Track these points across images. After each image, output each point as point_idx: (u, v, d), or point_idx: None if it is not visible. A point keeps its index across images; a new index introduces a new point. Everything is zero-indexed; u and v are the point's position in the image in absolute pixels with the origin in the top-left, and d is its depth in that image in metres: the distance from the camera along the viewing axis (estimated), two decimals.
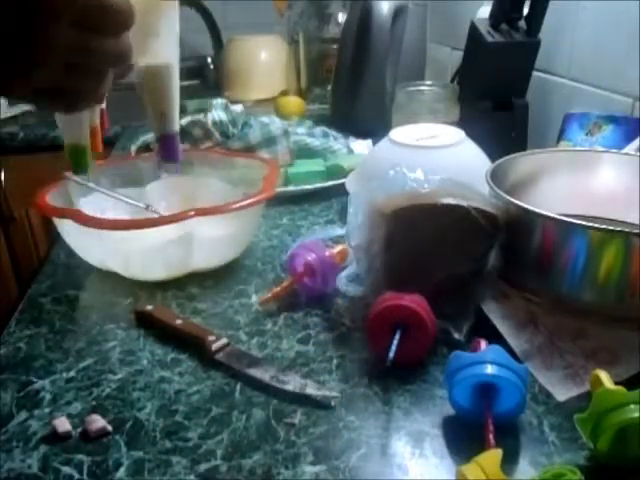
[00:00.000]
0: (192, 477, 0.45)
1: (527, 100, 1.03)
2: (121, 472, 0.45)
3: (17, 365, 0.58)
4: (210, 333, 0.59)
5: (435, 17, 1.54)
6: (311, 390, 0.52)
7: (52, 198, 0.72)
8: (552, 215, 0.57)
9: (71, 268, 0.76)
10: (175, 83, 0.54)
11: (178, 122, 0.55)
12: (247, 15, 1.89)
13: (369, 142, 1.12)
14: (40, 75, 0.37)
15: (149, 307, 0.64)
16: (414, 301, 0.55)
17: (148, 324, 0.63)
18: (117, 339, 0.61)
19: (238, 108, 1.13)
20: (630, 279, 0.54)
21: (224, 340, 0.58)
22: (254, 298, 0.68)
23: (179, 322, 0.61)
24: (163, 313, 0.63)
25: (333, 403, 0.51)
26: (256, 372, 0.55)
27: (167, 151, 0.55)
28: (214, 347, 0.57)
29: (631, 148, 0.78)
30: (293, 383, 0.53)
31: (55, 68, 0.37)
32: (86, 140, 0.49)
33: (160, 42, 0.51)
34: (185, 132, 1.07)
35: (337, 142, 1.10)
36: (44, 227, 1.50)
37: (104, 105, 0.55)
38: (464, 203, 0.58)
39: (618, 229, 0.54)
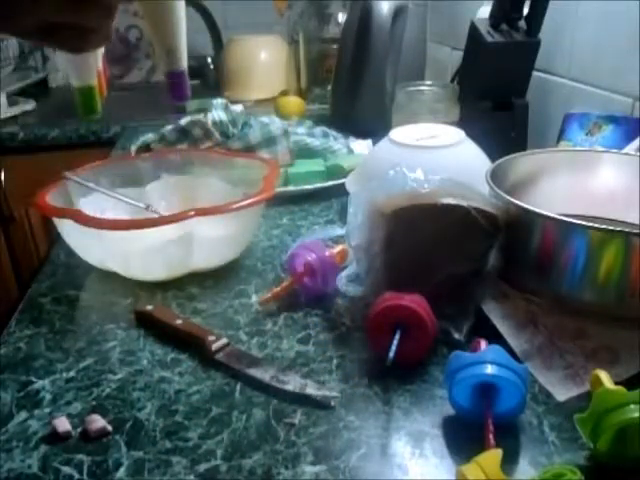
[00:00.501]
0: (192, 477, 0.45)
1: (527, 100, 1.03)
2: (121, 472, 0.45)
3: (17, 365, 0.58)
4: (210, 333, 0.59)
5: (435, 17, 1.54)
6: (311, 390, 0.52)
7: (52, 198, 0.72)
8: (552, 215, 0.57)
9: (71, 268, 0.76)
10: (180, 18, 0.53)
11: (185, 59, 0.54)
12: (247, 15, 1.89)
13: (369, 142, 1.12)
14: (46, 9, 0.37)
15: (149, 307, 0.64)
16: (414, 301, 0.55)
17: (148, 324, 0.63)
18: (117, 339, 0.61)
19: (238, 108, 1.13)
20: (630, 279, 0.54)
21: (224, 340, 0.58)
22: (254, 298, 0.68)
23: (179, 322, 0.61)
24: (163, 313, 0.63)
25: (333, 403, 0.51)
26: (256, 372, 0.55)
27: (175, 89, 0.55)
28: (214, 347, 0.57)
29: (631, 148, 0.78)
30: (293, 383, 0.53)
31: (60, 5, 0.37)
32: (95, 82, 0.50)
33: None
34: (185, 132, 1.07)
35: (337, 142, 1.10)
36: (44, 227, 1.50)
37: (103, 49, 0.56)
38: (464, 203, 0.58)
39: (618, 229, 0.54)
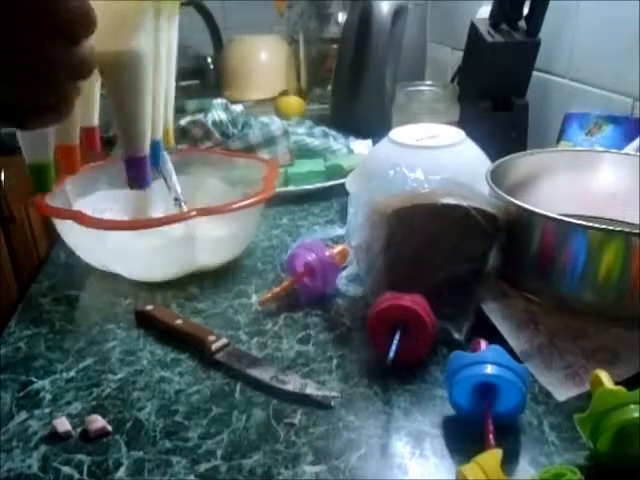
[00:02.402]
0: (192, 477, 0.45)
1: (527, 100, 1.03)
2: (121, 472, 0.45)
3: (17, 365, 0.58)
4: (210, 333, 0.59)
5: (435, 17, 1.54)
6: (311, 390, 0.52)
7: (52, 198, 0.72)
8: (552, 215, 0.57)
9: (71, 268, 0.76)
10: (145, 102, 0.43)
11: (148, 143, 0.45)
12: (247, 15, 1.89)
13: (369, 142, 1.12)
14: None
15: (149, 307, 0.64)
16: (414, 301, 0.55)
17: (148, 324, 0.63)
18: (117, 339, 0.61)
19: (238, 108, 1.13)
20: (630, 279, 0.54)
21: (224, 340, 0.58)
22: (254, 298, 0.68)
23: (179, 322, 0.61)
24: (163, 313, 0.63)
25: (333, 403, 0.51)
26: (256, 372, 0.55)
27: (134, 175, 0.45)
28: (214, 347, 0.57)
29: (631, 148, 0.78)
30: (293, 383, 0.53)
31: (3, 79, 0.33)
32: (49, 158, 0.42)
33: (128, 26, 0.41)
34: (185, 132, 1.07)
35: (337, 142, 1.10)
36: (44, 227, 1.50)
37: (95, 123, 0.49)
38: (464, 203, 0.58)
39: (618, 229, 0.54)
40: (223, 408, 0.51)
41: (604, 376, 0.45)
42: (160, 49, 0.48)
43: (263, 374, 0.54)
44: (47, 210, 0.70)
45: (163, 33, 0.48)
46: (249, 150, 1.02)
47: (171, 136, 0.57)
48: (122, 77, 0.42)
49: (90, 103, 0.48)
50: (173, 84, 0.55)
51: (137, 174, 0.46)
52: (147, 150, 0.45)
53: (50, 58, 0.33)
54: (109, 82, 0.42)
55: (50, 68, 0.33)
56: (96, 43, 0.35)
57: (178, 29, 0.53)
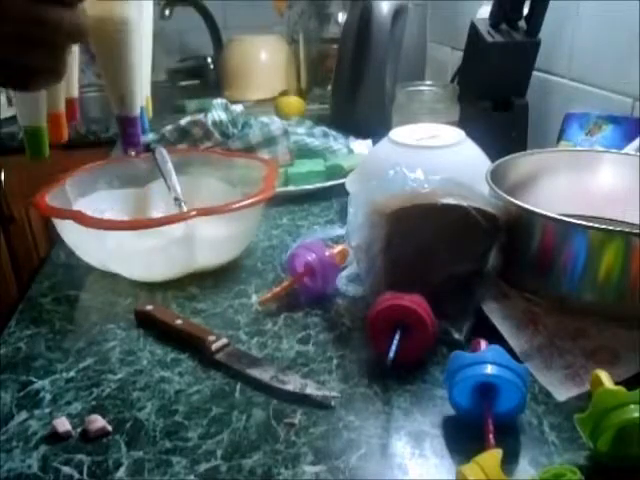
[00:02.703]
0: (192, 477, 0.45)
1: (527, 100, 1.03)
2: (121, 472, 0.45)
3: (17, 365, 0.58)
4: (210, 333, 0.59)
5: (435, 17, 1.54)
6: (311, 390, 0.52)
7: (52, 198, 0.72)
8: (552, 215, 0.57)
9: (71, 268, 0.76)
10: (133, 64, 0.46)
11: (139, 104, 0.48)
12: (247, 15, 1.89)
13: (369, 142, 1.12)
14: None
15: (149, 307, 0.64)
16: (414, 301, 0.55)
17: (148, 324, 0.63)
18: (117, 339, 0.61)
19: (238, 108, 1.13)
20: (630, 279, 0.54)
21: (224, 340, 0.58)
22: (254, 298, 0.68)
23: (179, 322, 0.61)
24: (163, 313, 0.63)
25: (333, 403, 0.51)
26: (256, 372, 0.55)
27: (128, 135, 0.49)
28: (214, 347, 0.57)
29: (631, 148, 0.78)
30: (293, 383, 0.53)
31: (5, 40, 0.35)
32: (44, 123, 0.45)
33: None
34: (185, 132, 1.07)
35: (337, 142, 1.10)
36: (44, 227, 1.50)
37: (76, 94, 0.52)
38: (464, 203, 0.58)
39: (618, 229, 0.54)
40: (223, 408, 0.51)
41: (604, 376, 0.45)
42: (143, 17, 0.50)
43: (263, 374, 0.54)
44: (47, 210, 0.70)
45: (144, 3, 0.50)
46: (249, 150, 1.02)
47: (150, 104, 0.58)
48: (113, 40, 0.45)
49: (70, 75, 0.50)
50: (150, 55, 0.56)
51: (131, 133, 0.49)
52: (138, 111, 0.48)
53: (49, 22, 0.35)
54: (100, 46, 0.45)
55: (50, 32, 0.36)
56: (87, 8, 0.37)
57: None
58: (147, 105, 0.60)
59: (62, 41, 0.37)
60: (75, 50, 0.47)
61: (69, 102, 0.49)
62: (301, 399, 0.52)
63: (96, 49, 0.46)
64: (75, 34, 0.37)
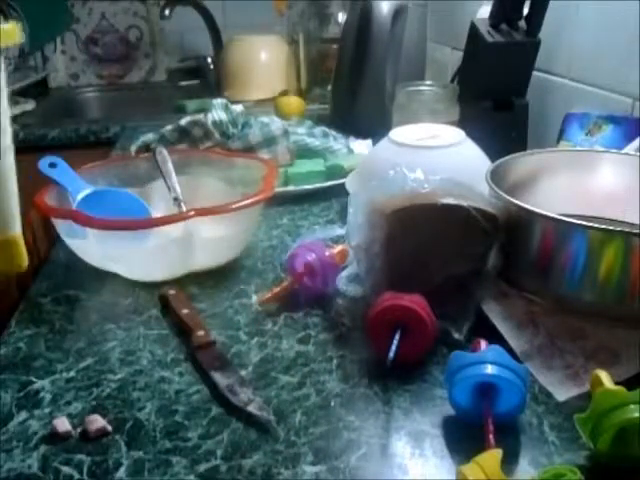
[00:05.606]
0: (192, 477, 0.45)
1: (527, 100, 1.03)
2: (121, 472, 0.45)
3: (17, 365, 0.58)
4: (202, 328, 0.59)
5: (435, 17, 1.54)
6: (253, 408, 0.50)
7: (52, 198, 0.72)
8: (552, 215, 0.57)
9: (71, 268, 0.76)
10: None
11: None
12: (247, 15, 1.89)
13: (369, 142, 1.12)
14: None
15: (171, 292, 0.65)
16: (414, 301, 0.55)
17: (166, 309, 0.65)
18: (117, 339, 0.61)
19: (238, 108, 1.13)
20: (630, 279, 0.54)
21: (210, 338, 0.58)
22: (254, 298, 0.68)
23: (185, 311, 0.61)
24: (177, 299, 0.64)
25: (269, 427, 0.49)
26: (217, 376, 0.54)
27: None
28: (196, 342, 0.57)
29: (631, 148, 0.78)
30: (241, 397, 0.51)
31: None
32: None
33: None
34: (185, 132, 1.07)
35: (337, 142, 1.10)
36: (44, 227, 1.49)
37: None
38: (464, 203, 0.58)
39: (618, 229, 0.54)
40: (223, 408, 0.51)
41: (604, 376, 0.45)
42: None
43: (222, 380, 0.53)
44: (47, 210, 0.70)
45: None
46: (249, 150, 1.02)
47: None
48: None
49: None
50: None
51: None
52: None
53: None
54: None
55: None
56: None
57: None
58: None
59: None
60: None
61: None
62: (240, 414, 0.50)
63: None
64: None
